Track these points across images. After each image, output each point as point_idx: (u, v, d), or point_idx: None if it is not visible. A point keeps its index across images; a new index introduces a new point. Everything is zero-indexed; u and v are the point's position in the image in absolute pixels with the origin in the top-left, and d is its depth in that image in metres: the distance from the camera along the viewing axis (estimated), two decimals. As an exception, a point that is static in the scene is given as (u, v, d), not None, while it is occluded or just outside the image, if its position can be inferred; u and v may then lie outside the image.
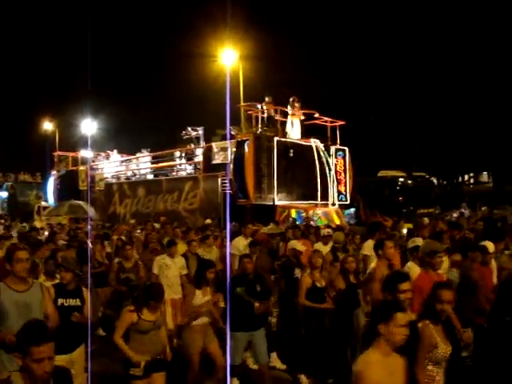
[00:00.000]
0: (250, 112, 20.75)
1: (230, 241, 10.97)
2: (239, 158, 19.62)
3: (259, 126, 20.50)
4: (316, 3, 42.76)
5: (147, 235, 11.91)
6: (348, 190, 21.96)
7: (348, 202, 21.83)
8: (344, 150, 22.19)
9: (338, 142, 22.11)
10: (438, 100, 41.62)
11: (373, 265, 7.14)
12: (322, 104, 23.46)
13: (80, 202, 22.95)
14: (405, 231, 13.98)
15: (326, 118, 21.76)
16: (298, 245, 9.13)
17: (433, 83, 40.65)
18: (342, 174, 21.87)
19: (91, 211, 22.06)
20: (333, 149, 21.65)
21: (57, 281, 6.57)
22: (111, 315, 9.46)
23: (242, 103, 21.97)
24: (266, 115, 20.35)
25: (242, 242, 11.00)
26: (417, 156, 37.65)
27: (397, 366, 3.60)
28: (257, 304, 6.68)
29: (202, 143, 23.41)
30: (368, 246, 9.41)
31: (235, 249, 10.23)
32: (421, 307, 4.84)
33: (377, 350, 3.52)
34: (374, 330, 3.54)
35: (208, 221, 17.24)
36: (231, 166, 20.14)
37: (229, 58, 25.47)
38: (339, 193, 21.51)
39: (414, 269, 6.97)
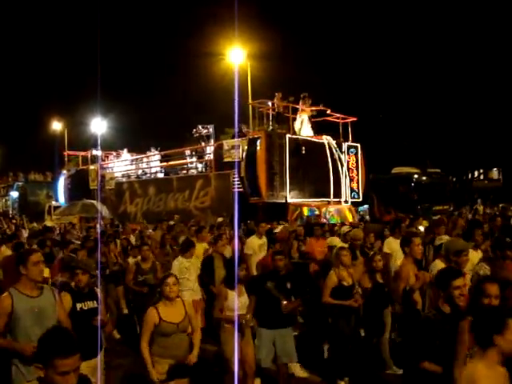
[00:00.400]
0: (260, 109, 20.48)
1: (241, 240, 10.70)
2: (251, 155, 19.33)
3: (270, 123, 20.25)
4: (325, 1, 42.51)
5: (164, 235, 11.58)
6: (360, 187, 21.64)
7: (360, 200, 21.52)
8: (356, 147, 21.86)
9: (350, 138, 21.81)
10: (448, 97, 41.28)
11: (399, 262, 6.84)
12: (332, 101, 23.06)
13: (93, 201, 22.74)
14: (422, 228, 13.64)
15: (337, 115, 21.44)
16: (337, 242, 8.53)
17: (442, 80, 40.31)
18: (355, 171, 21.55)
19: (104, 210, 21.83)
20: (345, 145, 21.33)
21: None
22: (127, 316, 9.21)
23: (251, 101, 21.69)
24: (275, 112, 20.04)
25: (256, 242, 10.71)
26: (429, 152, 37.23)
27: (503, 378, 3.28)
28: (284, 302, 6.40)
29: (212, 141, 23.19)
30: (389, 244, 9.15)
31: (249, 248, 9.93)
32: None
33: (483, 362, 3.20)
34: (486, 342, 3.22)
35: (220, 219, 16.97)
36: (243, 163, 19.90)
37: (237, 56, 25.19)
38: (351, 190, 21.18)
39: (439, 266, 6.71)
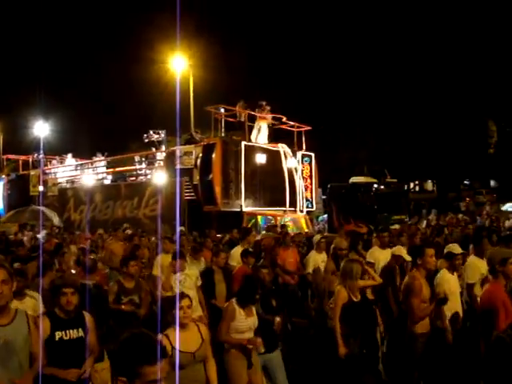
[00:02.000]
0: (216, 115, 19.66)
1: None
2: (206, 162, 18.46)
3: (218, 130, 19.48)
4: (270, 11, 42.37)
5: (134, 247, 10.30)
6: (314, 197, 21.14)
7: (314, 209, 21.00)
8: (310, 156, 21.35)
9: (304, 147, 21.28)
10: (386, 110, 41.97)
11: (410, 275, 6.16)
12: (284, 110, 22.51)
13: (43, 208, 21.11)
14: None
15: (292, 123, 20.87)
16: (403, 251, 7.56)
17: (379, 94, 40.93)
18: (308, 180, 21.02)
19: (54, 217, 20.32)
20: (299, 154, 20.78)
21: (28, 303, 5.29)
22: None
23: (192, 107, 20.96)
24: (237, 120, 19.32)
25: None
26: (371, 163, 37.55)
27: None
28: (278, 319, 5.69)
29: (162, 147, 22.16)
30: (372, 254, 8.62)
31: (234, 260, 9.04)
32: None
33: None
34: None
35: (182, 228, 15.90)
36: (196, 170, 19.03)
37: (179, 63, 26.08)
38: (306, 199, 20.62)
39: (445, 276, 6.20)
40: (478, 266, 6.60)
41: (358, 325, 5.89)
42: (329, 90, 39.92)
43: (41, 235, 14.90)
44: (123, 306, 6.45)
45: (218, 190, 18.20)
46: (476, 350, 5.42)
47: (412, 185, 55.19)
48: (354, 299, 5.98)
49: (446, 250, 6.64)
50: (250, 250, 8.74)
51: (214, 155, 18.26)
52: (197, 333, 4.54)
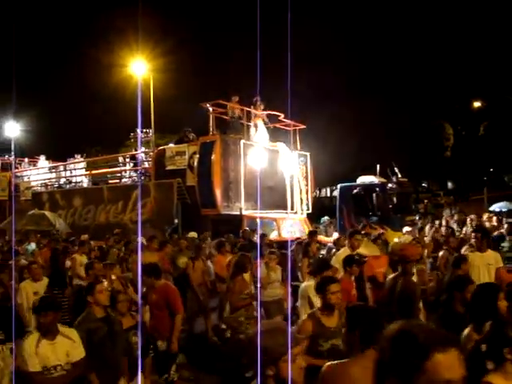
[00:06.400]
0: (210, 113, 17.66)
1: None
2: (204, 162, 16.49)
3: (213, 127, 17.55)
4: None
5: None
6: (310, 198, 19.47)
7: (310, 211, 19.28)
8: (305, 156, 19.67)
9: (299, 147, 19.57)
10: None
11: None
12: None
13: (45, 212, 18.50)
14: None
15: (288, 121, 19.12)
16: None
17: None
18: (304, 181, 19.31)
19: (58, 222, 17.80)
20: (295, 154, 19.05)
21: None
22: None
23: (152, 108, 18.93)
24: (231, 117, 17.35)
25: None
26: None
27: None
28: None
29: (140, 147, 20.05)
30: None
31: (336, 263, 7.06)
32: None
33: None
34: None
35: (192, 234, 13.77)
36: (191, 171, 17.09)
37: (140, 68, 24.79)
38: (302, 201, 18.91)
39: None
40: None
41: None
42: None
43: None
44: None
45: (218, 192, 16.28)
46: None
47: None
48: None
49: None
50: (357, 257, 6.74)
51: (213, 155, 16.32)
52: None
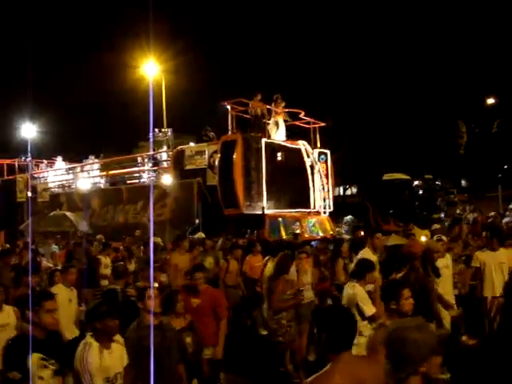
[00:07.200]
0: (229, 111, 17.34)
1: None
2: (226, 161, 16.14)
3: (233, 126, 17.24)
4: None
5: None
6: (331, 197, 19.06)
7: (332, 209, 18.87)
8: (326, 154, 19.25)
9: (319, 144, 19.18)
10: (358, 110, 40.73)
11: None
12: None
13: (67, 213, 18.23)
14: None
15: (308, 119, 18.75)
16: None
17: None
18: (325, 180, 18.90)
19: (80, 223, 17.53)
20: (316, 152, 18.65)
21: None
22: None
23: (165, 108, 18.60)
24: (253, 114, 16.99)
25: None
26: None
27: None
28: None
29: (156, 148, 19.67)
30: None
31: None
32: None
33: None
34: None
35: (201, 233, 13.47)
36: (212, 170, 16.78)
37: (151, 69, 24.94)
38: (324, 199, 18.52)
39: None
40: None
41: None
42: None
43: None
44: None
45: (240, 191, 15.92)
46: None
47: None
48: None
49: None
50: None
51: (235, 154, 15.97)
52: None
